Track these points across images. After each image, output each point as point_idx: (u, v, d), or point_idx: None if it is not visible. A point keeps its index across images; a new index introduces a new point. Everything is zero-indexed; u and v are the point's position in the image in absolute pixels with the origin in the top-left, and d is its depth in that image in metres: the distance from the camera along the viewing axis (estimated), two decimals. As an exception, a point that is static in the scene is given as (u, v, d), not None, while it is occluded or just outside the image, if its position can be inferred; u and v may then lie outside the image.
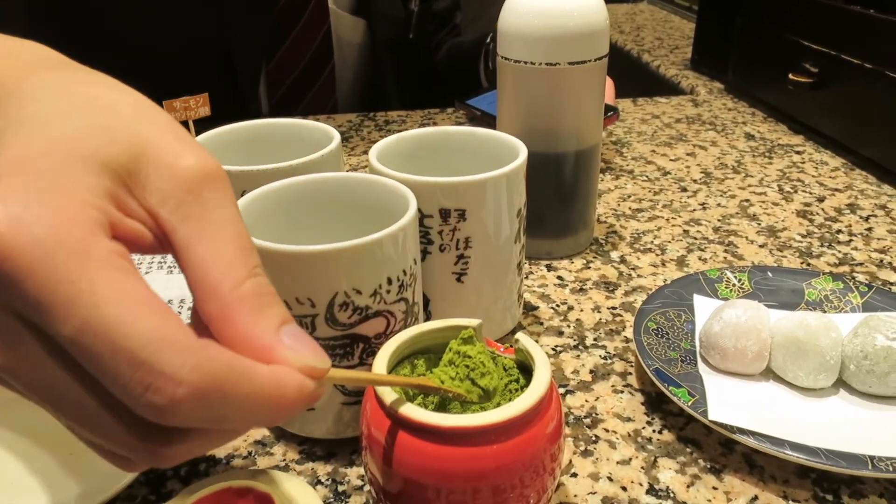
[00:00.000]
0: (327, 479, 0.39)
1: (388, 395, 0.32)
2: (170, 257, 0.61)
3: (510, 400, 0.36)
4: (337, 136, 0.49)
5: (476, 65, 1.01)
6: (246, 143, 0.52)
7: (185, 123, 0.70)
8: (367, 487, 0.38)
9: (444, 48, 1.08)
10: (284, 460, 0.40)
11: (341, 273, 0.36)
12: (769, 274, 0.52)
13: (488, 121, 0.85)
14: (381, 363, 0.34)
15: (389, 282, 0.37)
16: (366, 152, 0.85)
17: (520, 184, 0.46)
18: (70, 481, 0.38)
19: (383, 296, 0.37)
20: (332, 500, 0.38)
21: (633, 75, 1.34)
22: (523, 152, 0.47)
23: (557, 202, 0.59)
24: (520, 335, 0.36)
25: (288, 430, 0.41)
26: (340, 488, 0.38)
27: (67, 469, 0.39)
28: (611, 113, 0.78)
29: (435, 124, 0.94)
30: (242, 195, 0.43)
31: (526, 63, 0.54)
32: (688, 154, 0.84)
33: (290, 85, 0.96)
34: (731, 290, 0.51)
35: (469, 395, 0.34)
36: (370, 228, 0.41)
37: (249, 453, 0.41)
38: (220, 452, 0.41)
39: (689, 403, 0.40)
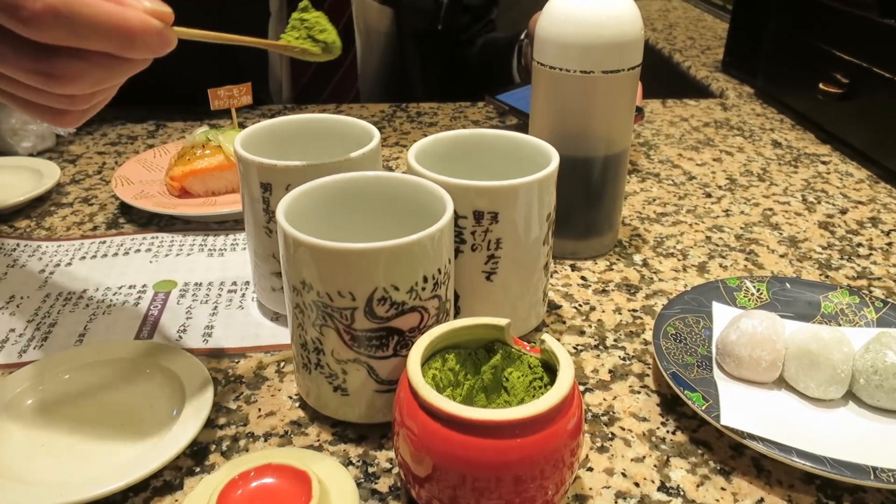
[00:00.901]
0: (358, 461, 0.42)
1: (422, 387, 0.35)
2: (210, 240, 0.64)
3: (534, 397, 0.38)
4: (377, 135, 0.51)
5: (508, 61, 1.02)
6: (288, 137, 0.54)
7: (226, 111, 0.72)
8: (395, 470, 0.41)
9: (478, 43, 1.10)
10: (318, 441, 0.43)
11: (381, 270, 0.38)
12: (787, 285, 0.54)
13: (517, 115, 0.86)
14: (415, 356, 0.37)
15: (425, 280, 0.40)
16: (398, 143, 0.87)
17: (551, 189, 0.48)
18: (120, 450, 0.41)
19: (419, 292, 0.40)
20: (362, 480, 0.40)
21: (664, 74, 1.35)
22: (555, 159, 0.48)
23: (585, 204, 0.61)
24: (546, 336, 0.38)
25: (322, 412, 0.44)
26: (370, 469, 0.41)
27: (118, 438, 0.42)
28: (636, 114, 0.79)
29: (466, 118, 0.96)
30: (287, 189, 0.46)
31: (561, 70, 0.56)
32: (714, 159, 0.85)
33: (314, 72, 0.98)
34: (749, 300, 0.53)
35: (313, 49, 0.42)
36: (408, 226, 0.43)
37: (286, 432, 0.44)
38: (259, 430, 0.44)
39: (703, 407, 0.42)
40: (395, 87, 1.06)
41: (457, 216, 0.46)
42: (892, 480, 0.37)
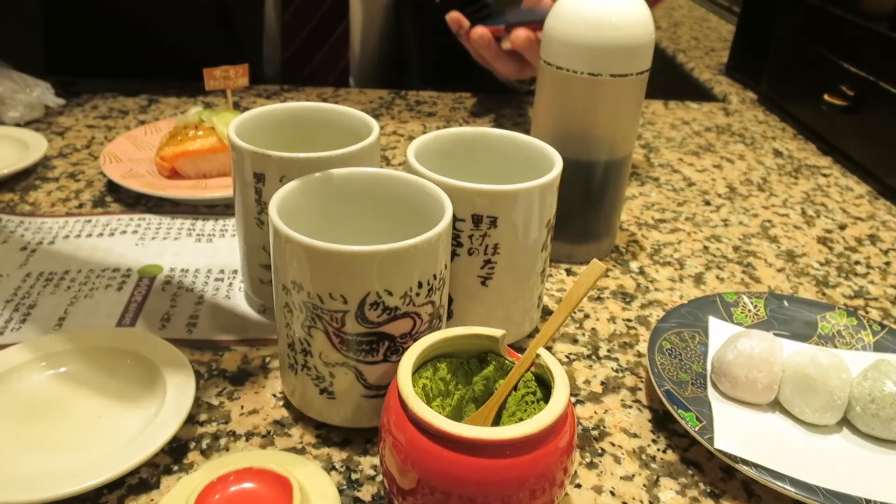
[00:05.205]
0: (342, 466, 0.41)
1: (412, 399, 0.34)
2: (199, 225, 0.62)
3: (525, 411, 0.37)
4: (376, 128, 0.50)
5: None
6: (284, 125, 0.53)
7: (222, 92, 0.70)
8: (379, 478, 0.40)
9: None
10: (301, 443, 0.42)
11: (375, 274, 0.37)
12: (785, 303, 0.53)
13: (517, 25, 0.74)
14: (406, 365, 0.36)
15: (420, 285, 0.38)
16: (395, 132, 0.86)
17: (552, 194, 0.47)
18: (96, 444, 0.40)
19: (413, 298, 0.38)
20: (345, 486, 0.39)
21: (666, 74, 1.33)
22: (559, 164, 0.47)
23: (584, 208, 0.60)
24: (541, 350, 0.37)
25: (306, 414, 0.43)
26: (354, 476, 0.40)
27: (94, 432, 0.41)
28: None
29: (465, 109, 0.94)
30: (282, 180, 0.44)
31: (568, 70, 0.55)
32: (714, 166, 0.84)
33: (304, 40, 0.95)
34: (746, 316, 0.52)
35: None
36: (404, 226, 0.42)
37: (268, 432, 0.42)
38: (241, 429, 0.43)
39: (697, 428, 0.41)
40: (390, 63, 1.02)
41: (455, 219, 0.44)
42: (884, 515, 0.36)
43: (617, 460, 0.42)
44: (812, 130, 0.94)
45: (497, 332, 0.38)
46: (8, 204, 0.65)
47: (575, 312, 0.55)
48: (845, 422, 0.44)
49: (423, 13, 1.01)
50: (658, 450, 0.43)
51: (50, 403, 0.42)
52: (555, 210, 0.48)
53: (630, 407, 0.46)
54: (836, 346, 0.50)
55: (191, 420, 0.43)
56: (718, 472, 0.42)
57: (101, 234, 0.61)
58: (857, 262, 0.66)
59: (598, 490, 0.40)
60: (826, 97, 0.88)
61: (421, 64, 1.04)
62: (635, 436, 0.44)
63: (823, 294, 0.60)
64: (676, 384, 0.44)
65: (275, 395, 0.45)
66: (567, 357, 0.50)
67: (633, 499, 0.40)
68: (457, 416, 0.39)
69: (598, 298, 0.57)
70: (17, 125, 0.79)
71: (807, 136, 0.95)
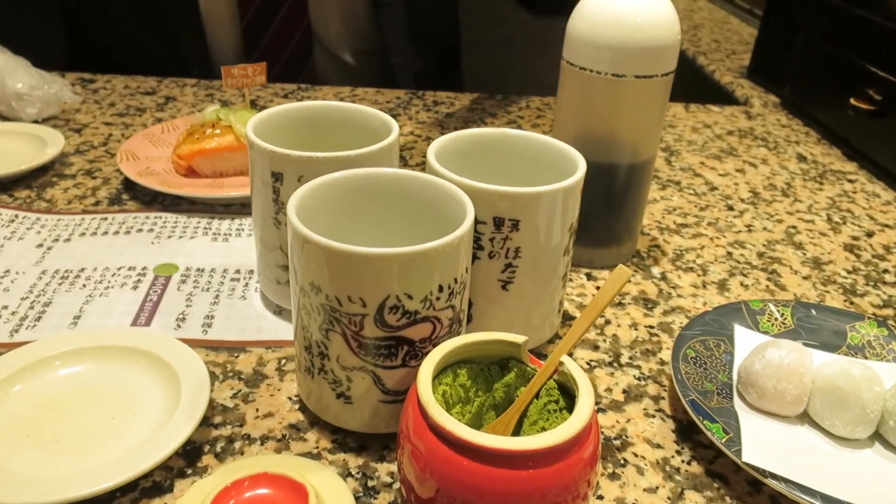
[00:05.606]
0: (358, 473, 0.40)
1: (433, 407, 0.33)
2: (215, 224, 0.62)
3: (548, 420, 0.36)
4: (395, 128, 0.49)
5: None
6: (301, 126, 0.52)
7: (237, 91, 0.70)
8: (396, 485, 0.39)
9: None
10: (317, 448, 0.41)
11: (395, 277, 0.36)
12: (813, 312, 0.52)
13: None
14: (426, 371, 0.35)
15: (440, 289, 0.37)
16: (413, 132, 0.85)
17: (576, 198, 0.46)
18: (110, 446, 0.39)
19: (433, 302, 0.37)
20: (361, 494, 0.38)
21: (686, 77, 1.32)
22: (582, 167, 0.46)
23: (605, 212, 0.59)
24: (565, 358, 0.36)
25: (323, 418, 0.42)
26: (370, 483, 0.39)
27: (107, 433, 0.40)
28: None
29: (483, 109, 0.93)
30: (300, 180, 0.44)
31: (591, 71, 0.54)
32: (737, 170, 0.82)
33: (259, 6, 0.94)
34: (772, 325, 0.51)
35: None
36: (424, 229, 0.41)
37: (284, 436, 0.42)
38: (255, 432, 0.42)
39: (724, 441, 0.40)
40: (366, 11, 0.99)
41: (476, 221, 0.43)
42: (921, 534, 0.35)
43: (640, 471, 0.41)
44: (837, 135, 0.92)
45: (519, 339, 0.37)
46: (24, 201, 0.65)
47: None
48: (877, 436, 0.42)
49: None
50: (682, 461, 0.42)
51: (63, 403, 0.42)
52: (577, 214, 0.47)
53: (653, 416, 0.45)
54: (866, 358, 0.49)
55: (205, 422, 0.42)
56: (745, 485, 0.41)
57: (117, 232, 0.60)
58: (885, 271, 0.64)
59: (620, 502, 0.39)
60: (852, 101, 0.86)
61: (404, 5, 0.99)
62: (659, 446, 0.43)
63: (851, 303, 0.59)
64: (701, 394, 0.43)
65: (290, 399, 0.44)
66: (588, 364, 0.49)
67: (657, 512, 0.39)
68: (476, 423, 0.38)
69: (620, 304, 0.56)
70: (35, 122, 0.79)
71: (831, 140, 0.93)
